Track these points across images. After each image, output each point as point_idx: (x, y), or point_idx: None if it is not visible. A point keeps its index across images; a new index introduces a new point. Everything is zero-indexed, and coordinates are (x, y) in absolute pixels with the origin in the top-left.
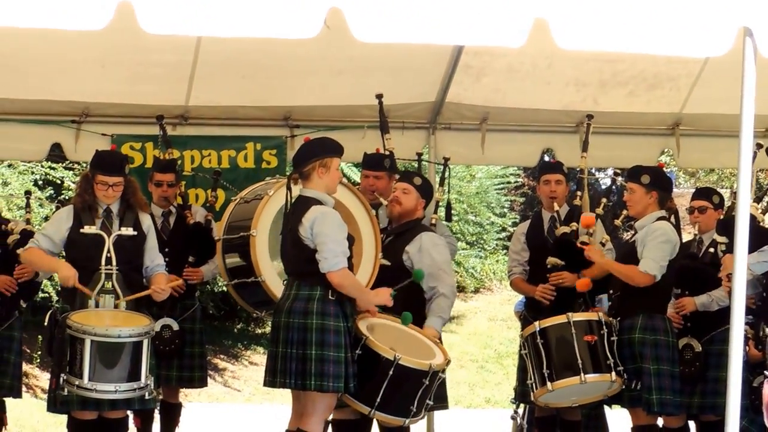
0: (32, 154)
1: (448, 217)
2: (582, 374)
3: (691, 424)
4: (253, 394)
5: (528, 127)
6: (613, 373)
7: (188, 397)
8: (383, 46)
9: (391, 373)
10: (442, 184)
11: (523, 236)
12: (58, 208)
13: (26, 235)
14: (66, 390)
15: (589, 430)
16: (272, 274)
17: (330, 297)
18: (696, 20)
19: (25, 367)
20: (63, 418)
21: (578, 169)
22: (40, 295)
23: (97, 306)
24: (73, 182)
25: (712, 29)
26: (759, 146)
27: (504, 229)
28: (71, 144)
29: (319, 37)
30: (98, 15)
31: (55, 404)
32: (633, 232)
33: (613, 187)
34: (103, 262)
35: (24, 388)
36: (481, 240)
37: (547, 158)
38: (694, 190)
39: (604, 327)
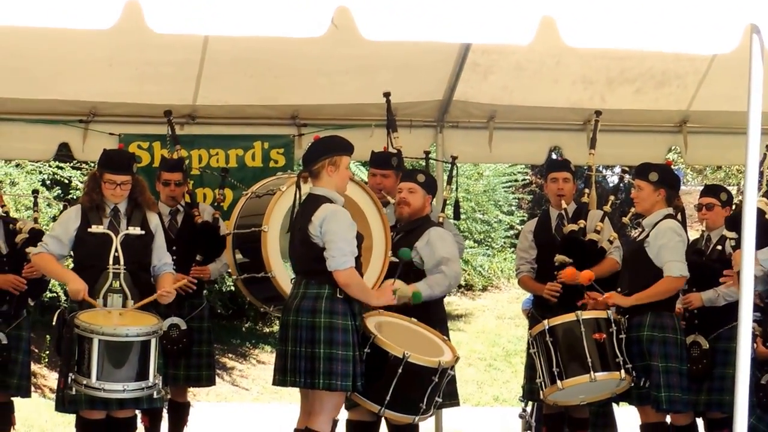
0: (40, 153)
1: (456, 216)
2: (591, 372)
3: (699, 422)
4: (261, 393)
5: (535, 124)
6: (622, 371)
7: (196, 397)
8: (390, 44)
9: (400, 371)
10: (449, 182)
11: (531, 234)
12: (65, 207)
13: (35, 234)
14: (74, 389)
15: (597, 428)
16: (282, 270)
17: (338, 295)
18: (703, 17)
19: (34, 366)
20: (71, 418)
21: (586, 167)
22: (49, 294)
23: (105, 305)
24: (81, 182)
25: (720, 26)
26: None
27: (512, 227)
28: (79, 143)
29: (327, 36)
30: (106, 14)
31: (64, 404)
32: (641, 229)
33: (621, 184)
34: (110, 261)
35: (32, 388)
36: (488, 238)
37: (554, 156)
38: (701, 188)
39: (613, 325)
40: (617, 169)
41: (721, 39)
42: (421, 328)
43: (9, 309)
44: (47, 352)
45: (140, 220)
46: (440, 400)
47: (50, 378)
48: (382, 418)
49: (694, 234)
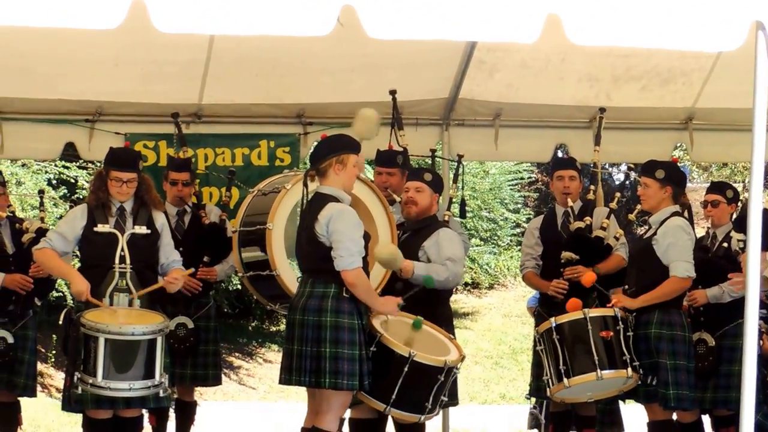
0: (46, 153)
1: (463, 214)
2: (598, 370)
3: (705, 419)
4: (267, 391)
5: (541, 122)
6: (629, 369)
7: (203, 396)
8: (396, 42)
9: (406, 370)
10: (455, 181)
11: (537, 231)
12: (72, 207)
13: (41, 234)
14: (80, 389)
15: (604, 425)
16: (287, 268)
17: (344, 294)
18: (708, 15)
19: (40, 366)
20: (78, 417)
21: (591, 164)
22: (55, 294)
23: (111, 304)
24: (87, 181)
25: (725, 24)
26: None
27: (518, 225)
28: (85, 143)
29: (332, 35)
30: (112, 14)
31: (70, 403)
32: (647, 227)
33: (627, 182)
34: (116, 260)
35: (39, 388)
36: (494, 236)
37: (560, 154)
38: (707, 185)
39: (620, 322)
40: (623, 167)
41: (726, 36)
42: (427, 326)
43: (15, 308)
44: (54, 352)
45: (146, 219)
46: (446, 399)
47: (57, 378)
48: (390, 418)
49: (700, 231)
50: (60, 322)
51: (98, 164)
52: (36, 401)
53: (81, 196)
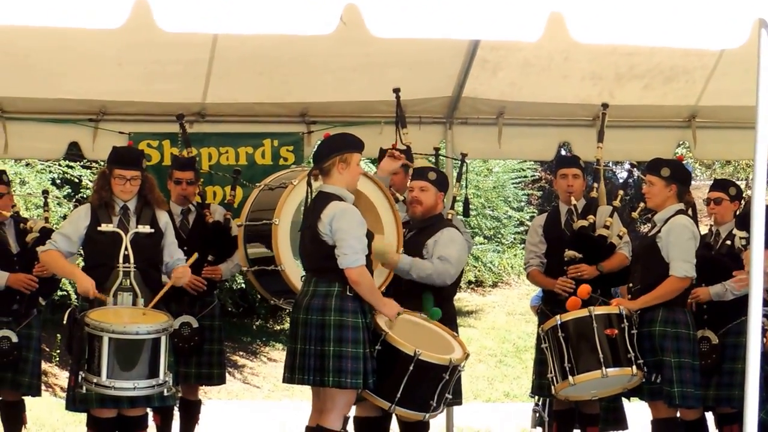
0: (50, 152)
1: (466, 213)
2: (603, 368)
3: (709, 416)
4: (272, 390)
5: (544, 121)
6: (634, 367)
7: (207, 394)
8: (399, 41)
9: (411, 368)
10: (459, 179)
11: (541, 228)
12: (76, 206)
13: (45, 233)
14: (84, 388)
15: (608, 423)
16: (293, 264)
17: (348, 293)
18: (711, 13)
19: (45, 365)
20: (83, 417)
21: (595, 161)
22: (59, 293)
23: (115, 304)
24: (91, 181)
25: (728, 21)
26: None
27: (521, 223)
28: (89, 142)
29: (336, 34)
30: (115, 13)
31: (74, 402)
32: (651, 225)
33: (630, 180)
34: (120, 259)
35: (43, 387)
36: (498, 234)
37: (563, 152)
38: (710, 182)
39: (625, 320)
40: (626, 165)
41: (729, 34)
42: (431, 324)
43: (20, 308)
44: (58, 351)
45: (150, 219)
46: (450, 396)
47: (61, 377)
48: (393, 415)
49: (703, 229)
50: (64, 322)
51: (102, 164)
52: (40, 400)
53: (85, 196)
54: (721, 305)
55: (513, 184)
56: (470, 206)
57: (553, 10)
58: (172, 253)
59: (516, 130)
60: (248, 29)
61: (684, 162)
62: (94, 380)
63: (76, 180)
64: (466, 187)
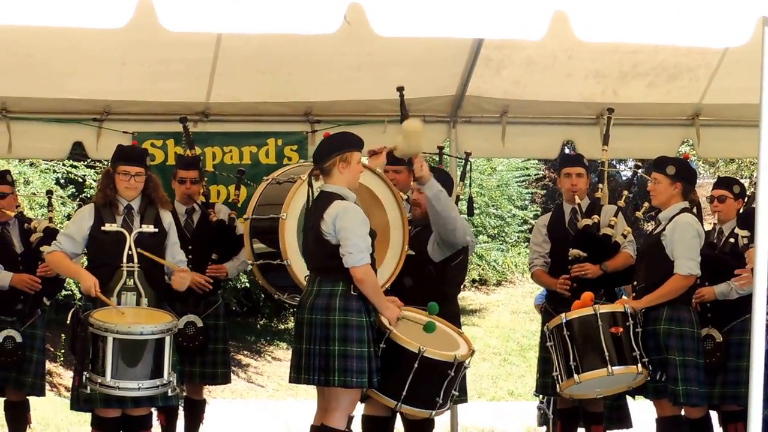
0: (54, 152)
1: (470, 212)
2: (608, 366)
3: (713, 415)
4: (276, 389)
5: (548, 119)
6: (639, 365)
7: (212, 394)
8: (403, 40)
9: (416, 366)
10: (463, 178)
11: (545, 228)
12: (80, 206)
13: (49, 233)
14: (89, 388)
15: (612, 422)
16: (299, 259)
17: (352, 292)
18: (715, 11)
19: (49, 365)
20: (87, 416)
21: (599, 162)
22: (63, 292)
23: (119, 304)
24: (95, 180)
25: (731, 19)
26: None
27: (525, 222)
28: (93, 142)
29: (339, 33)
30: (119, 13)
31: (79, 402)
32: (656, 223)
33: (634, 178)
34: (124, 259)
35: (48, 387)
36: (502, 233)
37: (567, 150)
38: (714, 180)
39: (630, 318)
40: (630, 163)
41: (732, 32)
42: (436, 321)
43: (23, 308)
44: (62, 351)
45: (154, 218)
46: (457, 393)
47: (66, 377)
48: (399, 415)
49: (706, 227)
50: (68, 322)
51: (106, 163)
52: (45, 400)
53: (89, 195)
54: (725, 303)
55: (517, 182)
56: (474, 205)
57: (557, 9)
58: (175, 254)
59: (520, 129)
60: (252, 28)
61: (689, 160)
62: (99, 380)
63: (80, 180)
64: (470, 185)
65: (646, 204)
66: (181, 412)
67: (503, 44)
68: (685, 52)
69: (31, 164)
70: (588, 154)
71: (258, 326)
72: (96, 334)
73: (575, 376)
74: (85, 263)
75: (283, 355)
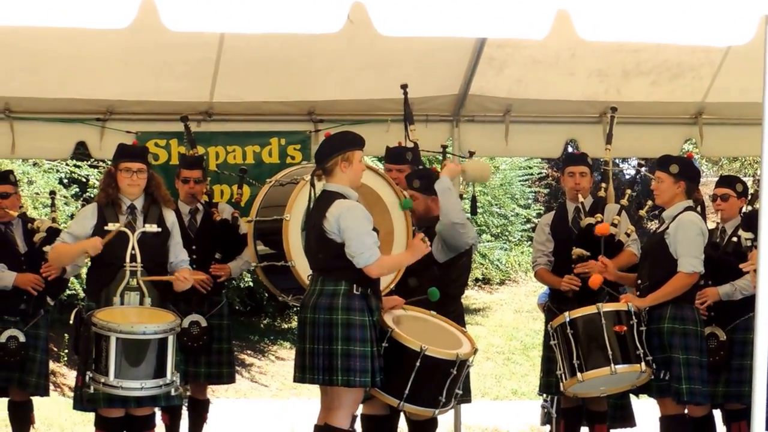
0: (57, 152)
1: (473, 211)
2: (612, 365)
3: (716, 413)
4: (280, 389)
5: (551, 118)
6: (643, 364)
7: (216, 393)
8: (406, 39)
9: (418, 364)
10: None
11: (548, 227)
12: (83, 205)
13: (52, 233)
14: (92, 388)
15: (616, 421)
16: (303, 260)
17: (355, 291)
18: (718, 9)
19: (53, 365)
20: (91, 416)
21: (602, 161)
22: (67, 292)
23: (122, 303)
24: (98, 180)
25: (734, 18)
26: None
27: (528, 221)
28: (96, 142)
29: (343, 32)
30: (122, 13)
31: (82, 402)
32: (660, 222)
33: (638, 177)
34: (127, 259)
35: (51, 387)
36: (505, 232)
37: (570, 149)
38: (717, 178)
39: (634, 317)
40: (633, 162)
41: (735, 30)
42: (439, 320)
43: (27, 308)
44: (66, 351)
45: (157, 218)
46: (460, 392)
47: (69, 376)
48: (402, 414)
49: (709, 225)
50: (71, 322)
51: (109, 163)
52: (49, 400)
53: (92, 195)
54: (728, 302)
55: (520, 181)
56: (477, 204)
57: (560, 8)
58: (177, 253)
59: (523, 128)
60: (255, 28)
61: (692, 159)
62: (102, 380)
63: (84, 179)
64: (473, 185)
65: (650, 202)
66: (184, 412)
67: (506, 43)
68: (688, 50)
69: (35, 164)
70: (591, 152)
71: (262, 326)
72: (99, 333)
73: (579, 374)
74: (89, 263)
75: (286, 354)
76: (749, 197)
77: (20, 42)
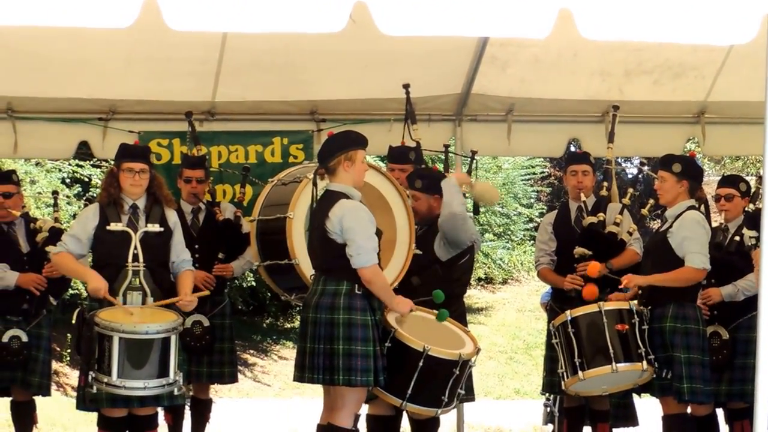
0: (60, 152)
1: (476, 210)
2: (613, 363)
3: (719, 412)
4: (282, 388)
5: (554, 117)
6: (645, 362)
7: (218, 393)
8: (408, 39)
9: (420, 364)
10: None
11: (550, 226)
12: (86, 205)
13: (55, 233)
14: (95, 387)
15: (618, 420)
16: (307, 259)
17: (357, 291)
18: (720, 8)
19: (56, 365)
20: (94, 416)
21: (605, 160)
22: (70, 292)
23: (124, 303)
24: (101, 180)
25: (736, 17)
26: None
27: (531, 220)
28: (98, 141)
29: (345, 31)
30: (124, 13)
31: (85, 402)
32: (663, 221)
33: (640, 176)
34: (130, 259)
35: (54, 386)
36: (508, 231)
37: (573, 148)
38: (719, 178)
39: (635, 316)
40: (636, 161)
41: (738, 29)
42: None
43: (30, 308)
44: (69, 351)
45: (159, 217)
46: (463, 392)
47: (72, 376)
48: (405, 414)
49: (712, 225)
50: (73, 321)
51: (112, 163)
52: (51, 400)
53: (95, 195)
54: (731, 301)
55: (522, 180)
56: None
57: (562, 7)
58: (179, 253)
59: (525, 127)
60: (257, 28)
61: (696, 158)
62: (105, 380)
63: (86, 179)
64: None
65: (652, 201)
66: (187, 412)
67: (509, 42)
68: (691, 49)
69: (37, 164)
70: (594, 151)
71: (264, 325)
72: (102, 333)
73: (580, 372)
74: (91, 263)
75: (289, 354)
76: (752, 196)
77: (23, 42)
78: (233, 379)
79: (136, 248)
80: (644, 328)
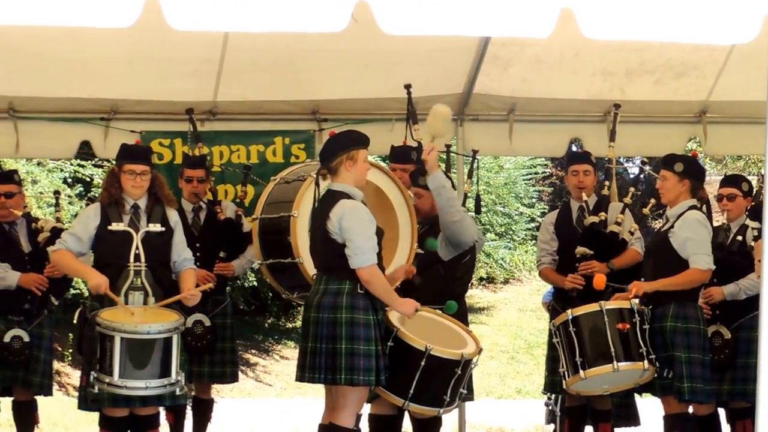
0: (61, 152)
1: (477, 210)
2: (615, 362)
3: (721, 411)
4: (284, 388)
5: (555, 117)
6: (646, 362)
7: (220, 393)
8: (410, 38)
9: (423, 364)
10: (470, 176)
11: (552, 226)
12: (87, 205)
13: (56, 233)
14: (97, 387)
15: (620, 419)
16: (310, 257)
17: (359, 291)
18: (722, 7)
19: (57, 365)
20: (95, 416)
21: (606, 159)
22: (72, 292)
23: (126, 303)
24: (102, 179)
25: (738, 16)
26: None
27: (533, 220)
28: (100, 141)
29: (347, 31)
30: (126, 13)
31: (86, 402)
32: (664, 220)
33: (641, 175)
34: (131, 258)
35: (56, 386)
36: (510, 231)
37: (574, 148)
38: (721, 177)
39: (637, 315)
40: (637, 160)
41: (739, 29)
42: (445, 319)
43: (31, 308)
44: (71, 351)
45: (160, 217)
46: (465, 391)
47: (74, 376)
48: (406, 413)
49: (714, 224)
50: (74, 321)
51: (113, 162)
52: (53, 400)
53: (96, 194)
54: (733, 300)
55: (524, 180)
56: (481, 203)
57: (564, 7)
58: (180, 252)
59: (527, 127)
60: (259, 27)
61: (697, 157)
62: (106, 380)
63: (88, 179)
64: (477, 183)
65: (653, 201)
66: (189, 412)
67: (510, 42)
68: (692, 49)
69: (39, 163)
70: (595, 151)
71: (266, 325)
72: (103, 333)
73: (581, 372)
74: (92, 263)
75: (291, 353)
76: (755, 193)
77: (24, 41)
78: (234, 379)
79: (137, 248)
80: (645, 328)
